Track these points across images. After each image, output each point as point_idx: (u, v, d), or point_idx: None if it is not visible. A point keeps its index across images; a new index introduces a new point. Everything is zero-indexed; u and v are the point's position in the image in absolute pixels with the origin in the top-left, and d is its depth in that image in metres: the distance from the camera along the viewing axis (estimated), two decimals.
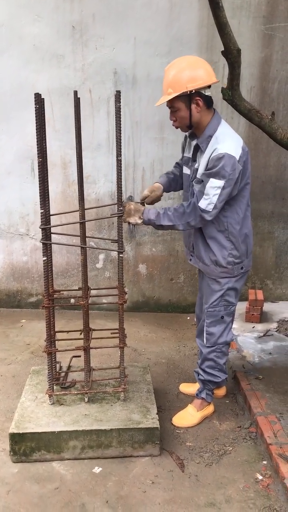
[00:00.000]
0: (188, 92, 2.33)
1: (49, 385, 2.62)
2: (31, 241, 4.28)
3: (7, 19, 3.78)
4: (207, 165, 2.41)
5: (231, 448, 2.59)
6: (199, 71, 2.36)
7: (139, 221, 2.49)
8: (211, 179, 2.36)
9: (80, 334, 2.67)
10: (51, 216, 2.57)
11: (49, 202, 2.54)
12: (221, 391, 3.03)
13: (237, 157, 2.36)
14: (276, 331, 3.75)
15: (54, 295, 2.61)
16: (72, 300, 4.01)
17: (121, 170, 2.37)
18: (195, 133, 2.52)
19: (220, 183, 2.34)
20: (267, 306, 4.12)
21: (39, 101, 2.31)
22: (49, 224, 2.53)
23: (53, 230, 2.58)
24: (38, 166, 2.38)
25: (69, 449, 2.46)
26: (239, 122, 3.88)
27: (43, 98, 2.39)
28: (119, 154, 2.34)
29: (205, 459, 2.51)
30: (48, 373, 2.61)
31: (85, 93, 3.88)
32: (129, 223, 2.50)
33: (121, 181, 2.39)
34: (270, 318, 3.96)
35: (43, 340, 2.70)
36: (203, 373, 2.75)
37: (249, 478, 2.38)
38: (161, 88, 2.43)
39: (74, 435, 2.44)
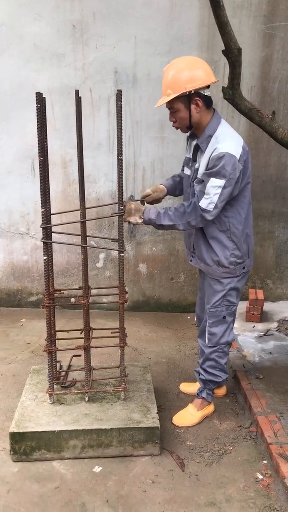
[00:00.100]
0: (187, 93, 2.33)
1: (49, 384, 2.62)
2: (32, 240, 4.28)
3: (7, 18, 3.77)
4: (207, 165, 2.40)
5: (231, 448, 2.59)
6: (197, 71, 2.35)
7: (140, 221, 2.49)
8: (212, 179, 2.35)
9: (81, 333, 2.66)
10: (51, 215, 2.57)
11: (49, 201, 2.54)
12: (221, 391, 3.03)
13: (238, 157, 2.35)
14: (276, 330, 3.75)
15: (55, 294, 2.61)
16: (73, 299, 4.02)
17: (122, 169, 2.37)
18: (195, 133, 2.52)
19: (221, 182, 2.34)
20: (268, 306, 4.12)
21: (40, 100, 2.31)
22: (50, 223, 2.53)
23: (53, 229, 2.58)
24: (39, 165, 2.38)
25: (69, 449, 2.46)
26: (240, 122, 3.87)
27: (44, 97, 2.38)
28: (120, 153, 2.34)
29: (206, 458, 2.51)
30: (49, 372, 2.61)
31: (86, 92, 3.88)
32: (129, 222, 2.50)
33: (122, 180, 2.38)
34: (271, 318, 3.96)
35: (44, 339, 2.70)
36: (204, 372, 2.75)
37: (250, 477, 2.39)
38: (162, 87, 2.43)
39: (75, 435, 2.44)
